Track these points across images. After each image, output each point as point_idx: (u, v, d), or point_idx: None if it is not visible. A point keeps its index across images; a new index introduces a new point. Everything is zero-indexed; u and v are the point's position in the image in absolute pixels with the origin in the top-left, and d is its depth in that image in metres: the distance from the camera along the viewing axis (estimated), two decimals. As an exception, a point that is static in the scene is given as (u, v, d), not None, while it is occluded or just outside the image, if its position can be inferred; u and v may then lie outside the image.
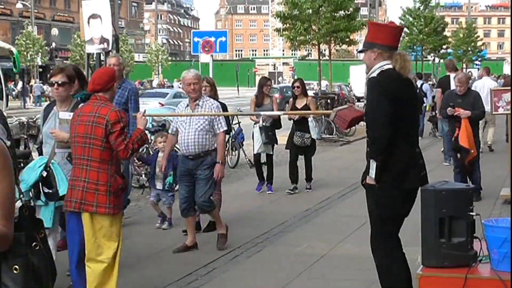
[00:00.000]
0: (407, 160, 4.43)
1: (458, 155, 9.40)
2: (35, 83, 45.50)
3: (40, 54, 48.35)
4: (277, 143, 10.82)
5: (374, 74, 4.45)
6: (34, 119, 9.68)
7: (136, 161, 9.89)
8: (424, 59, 40.77)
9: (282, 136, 11.06)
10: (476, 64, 52.11)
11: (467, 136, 8.98)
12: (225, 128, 7.10)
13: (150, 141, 11.13)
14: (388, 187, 4.37)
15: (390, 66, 4.43)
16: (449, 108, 9.17)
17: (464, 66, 50.61)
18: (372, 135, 4.39)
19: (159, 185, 8.30)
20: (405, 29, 37.75)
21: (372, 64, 4.52)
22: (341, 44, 22.15)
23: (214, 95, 8.19)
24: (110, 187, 4.99)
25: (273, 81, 10.22)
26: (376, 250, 4.56)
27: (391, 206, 4.42)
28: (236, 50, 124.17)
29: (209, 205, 7.05)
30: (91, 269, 5.07)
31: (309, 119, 10.32)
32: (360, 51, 4.88)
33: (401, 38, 4.69)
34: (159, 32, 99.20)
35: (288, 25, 20.81)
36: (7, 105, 17.78)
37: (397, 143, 4.37)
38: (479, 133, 15.12)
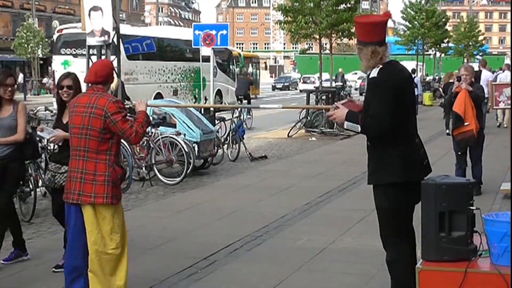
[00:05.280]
0: (408, 152, 4.44)
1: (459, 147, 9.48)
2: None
3: (41, 46, 48.21)
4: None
5: (375, 74, 4.45)
6: (35, 111, 9.65)
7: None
8: (425, 53, 40.65)
9: (281, 130, 11.02)
10: (477, 59, 52.05)
11: (465, 104, 9.03)
12: None
13: (150, 134, 11.14)
14: (395, 182, 4.40)
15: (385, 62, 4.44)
16: (455, 83, 9.49)
17: (466, 60, 50.53)
18: (376, 121, 4.36)
19: None
20: (407, 23, 37.67)
21: (362, 59, 4.55)
22: (342, 38, 22.11)
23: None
24: (108, 177, 4.94)
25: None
26: (385, 245, 4.59)
27: (400, 199, 4.44)
28: (237, 44, 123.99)
29: None
30: (98, 262, 5.00)
31: None
32: None
33: (386, 30, 4.56)
34: (160, 25, 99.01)
35: (289, 18, 20.77)
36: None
37: (396, 136, 4.38)
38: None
